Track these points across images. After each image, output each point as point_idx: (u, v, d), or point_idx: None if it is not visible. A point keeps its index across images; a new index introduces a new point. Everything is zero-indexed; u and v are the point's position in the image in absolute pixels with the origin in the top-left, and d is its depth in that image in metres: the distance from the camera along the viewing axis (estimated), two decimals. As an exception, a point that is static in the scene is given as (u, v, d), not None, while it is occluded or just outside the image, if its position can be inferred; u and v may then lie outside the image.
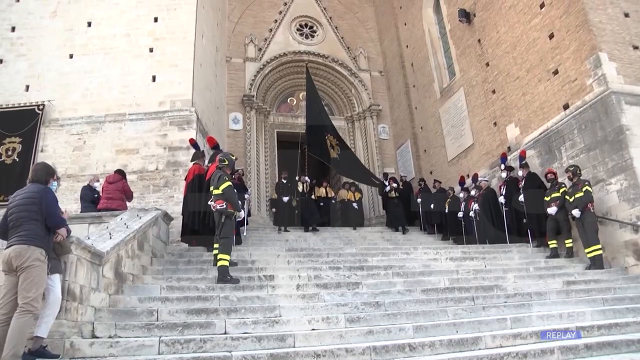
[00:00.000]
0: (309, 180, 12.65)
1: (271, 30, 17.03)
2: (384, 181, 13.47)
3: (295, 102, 16.99)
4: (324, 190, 13.49)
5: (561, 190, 8.56)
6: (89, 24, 11.87)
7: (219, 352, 4.28)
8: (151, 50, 11.61)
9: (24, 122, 10.76)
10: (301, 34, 17.45)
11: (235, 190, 7.03)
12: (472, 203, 10.66)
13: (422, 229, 12.73)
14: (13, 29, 11.84)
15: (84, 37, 11.74)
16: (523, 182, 9.43)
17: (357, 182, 13.89)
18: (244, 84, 15.95)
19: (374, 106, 16.84)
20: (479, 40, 12.10)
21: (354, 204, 13.43)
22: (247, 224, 10.25)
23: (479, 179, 11.04)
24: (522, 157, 9.76)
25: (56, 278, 4.15)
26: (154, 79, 11.32)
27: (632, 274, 7.54)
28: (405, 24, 16.50)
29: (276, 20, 17.25)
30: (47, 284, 3.97)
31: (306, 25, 17.71)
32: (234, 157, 7.57)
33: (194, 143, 9.56)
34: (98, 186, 8.99)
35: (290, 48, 16.85)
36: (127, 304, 5.38)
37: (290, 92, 17.12)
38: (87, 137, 10.79)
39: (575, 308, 5.72)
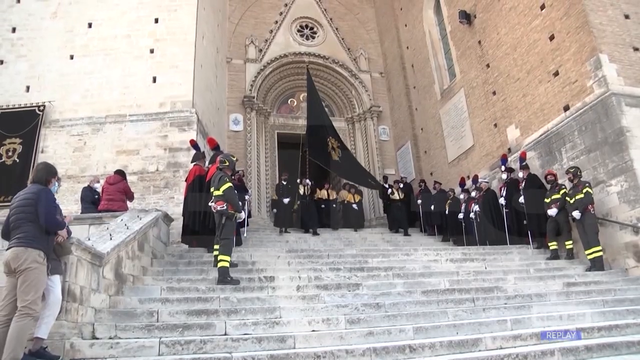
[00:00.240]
0: (310, 183, 12.65)
1: (272, 31, 17.04)
2: (384, 184, 13.47)
3: (295, 103, 16.99)
4: (326, 192, 13.47)
5: (561, 192, 8.56)
6: (90, 25, 11.88)
7: (219, 353, 4.29)
8: (152, 51, 11.61)
9: (25, 123, 10.76)
10: (302, 35, 17.46)
11: (236, 191, 7.03)
12: (473, 204, 10.65)
13: (422, 230, 12.74)
14: (14, 30, 11.83)
15: (85, 38, 11.74)
16: (523, 184, 9.42)
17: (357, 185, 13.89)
18: (245, 85, 15.96)
19: (374, 107, 16.84)
20: (480, 42, 12.11)
21: (354, 206, 13.44)
22: (247, 225, 10.25)
23: (480, 180, 11.04)
24: (522, 158, 9.75)
25: (56, 279, 4.14)
26: (154, 80, 11.33)
27: (632, 275, 7.54)
28: (405, 25, 16.51)
29: (277, 22, 17.26)
30: (47, 285, 3.97)
31: (307, 26, 17.72)
32: (234, 158, 7.58)
33: (194, 144, 9.56)
34: (98, 187, 8.97)
35: (290, 49, 16.86)
36: (127, 305, 5.38)
37: (291, 93, 17.12)
38: (87, 138, 10.79)
39: (576, 309, 5.72)
